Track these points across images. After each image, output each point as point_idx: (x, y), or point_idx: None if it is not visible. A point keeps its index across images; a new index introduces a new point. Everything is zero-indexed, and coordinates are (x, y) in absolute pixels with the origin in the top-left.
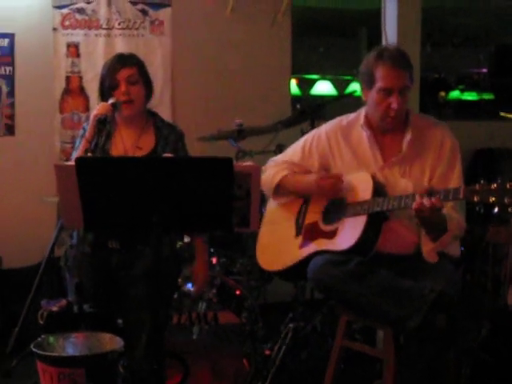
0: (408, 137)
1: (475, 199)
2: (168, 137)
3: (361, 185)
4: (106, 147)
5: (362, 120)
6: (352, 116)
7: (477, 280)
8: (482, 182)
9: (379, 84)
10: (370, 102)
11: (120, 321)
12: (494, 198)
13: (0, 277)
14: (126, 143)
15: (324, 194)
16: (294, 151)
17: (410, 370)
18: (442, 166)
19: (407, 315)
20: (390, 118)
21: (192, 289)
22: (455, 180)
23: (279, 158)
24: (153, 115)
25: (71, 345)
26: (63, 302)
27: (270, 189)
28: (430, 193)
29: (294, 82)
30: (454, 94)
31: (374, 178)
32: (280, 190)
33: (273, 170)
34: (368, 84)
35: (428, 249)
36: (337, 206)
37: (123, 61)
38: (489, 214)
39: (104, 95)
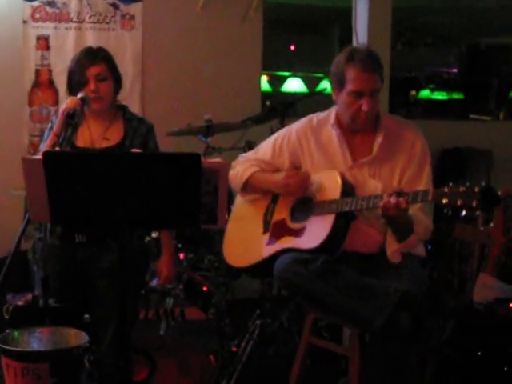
0: (380, 139)
1: (443, 202)
2: (137, 129)
3: (329, 183)
4: (72, 139)
5: (332, 119)
6: (322, 115)
7: (443, 277)
8: (450, 184)
9: (350, 87)
10: (340, 103)
11: (87, 316)
12: (461, 201)
13: None
14: (94, 134)
15: (290, 192)
16: (264, 149)
17: (375, 367)
18: (412, 168)
19: (372, 314)
20: (360, 119)
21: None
22: (424, 182)
23: (250, 154)
24: (122, 108)
25: (36, 340)
26: (29, 296)
27: (239, 185)
28: (399, 194)
29: (264, 79)
30: (425, 93)
31: (342, 177)
32: (248, 186)
33: (242, 167)
34: (338, 85)
35: (393, 249)
36: (305, 204)
37: (92, 57)
38: (456, 216)
39: (72, 89)
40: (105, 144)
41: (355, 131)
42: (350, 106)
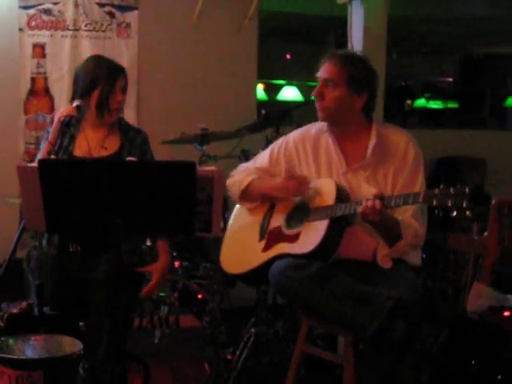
0: (372, 142)
1: (434, 203)
2: (133, 140)
3: (324, 190)
4: (70, 148)
5: (326, 126)
6: (320, 124)
7: (438, 286)
8: (441, 186)
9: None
10: None
11: (81, 323)
12: (452, 202)
13: None
14: (91, 143)
15: (289, 194)
16: (262, 158)
17: (370, 375)
18: (406, 173)
19: (365, 320)
20: (318, 111)
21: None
22: (418, 187)
23: (249, 164)
24: (119, 119)
25: (30, 347)
26: (24, 304)
27: (237, 192)
28: (381, 198)
29: (260, 87)
30: (420, 102)
31: (337, 183)
32: (247, 194)
33: (241, 175)
34: None
35: (382, 254)
36: (300, 211)
37: (119, 68)
38: (448, 219)
39: (87, 95)
40: (102, 153)
41: (346, 136)
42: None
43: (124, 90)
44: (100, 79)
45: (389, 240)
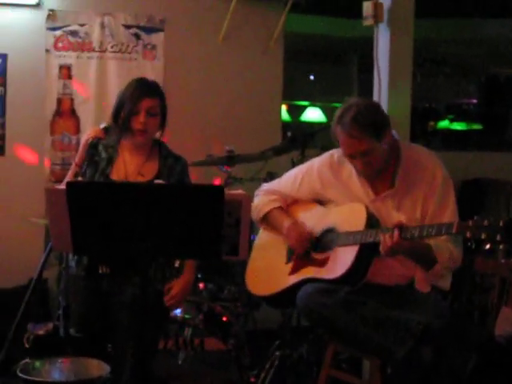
0: (400, 172)
1: (468, 235)
2: (173, 167)
3: (354, 215)
4: (107, 171)
5: None
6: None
7: (464, 309)
8: (475, 217)
9: (342, 148)
10: None
11: (109, 345)
12: (485, 235)
13: None
14: (129, 169)
15: (290, 245)
16: (286, 182)
17: None
18: (435, 199)
19: (394, 346)
20: (363, 174)
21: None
22: (449, 214)
23: (272, 185)
24: (158, 143)
25: (57, 370)
26: (50, 325)
27: (257, 218)
28: (400, 228)
29: (284, 108)
30: (444, 123)
31: (367, 209)
32: (265, 222)
33: (262, 200)
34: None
35: (420, 278)
36: (329, 235)
37: (148, 90)
38: (479, 250)
39: (118, 117)
40: (140, 179)
41: None
42: (350, 162)
43: (151, 113)
44: (125, 99)
45: (424, 265)
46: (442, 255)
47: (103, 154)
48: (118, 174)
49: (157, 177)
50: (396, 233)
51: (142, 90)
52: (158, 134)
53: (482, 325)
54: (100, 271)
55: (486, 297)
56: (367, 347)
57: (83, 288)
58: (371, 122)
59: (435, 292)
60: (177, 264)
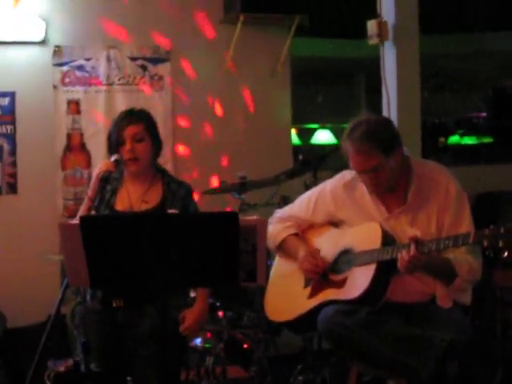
0: (412, 188)
1: (485, 244)
2: (176, 192)
3: (369, 234)
4: (111, 202)
5: None
6: (354, 171)
7: (486, 324)
8: (491, 226)
9: (351, 163)
10: None
11: (129, 378)
12: (503, 243)
13: (5, 336)
14: (132, 197)
15: (305, 273)
16: (299, 206)
17: None
18: (451, 212)
19: (419, 365)
20: (372, 190)
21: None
22: (466, 225)
23: (286, 210)
24: (161, 171)
25: None
26: (70, 361)
27: (273, 245)
28: (416, 241)
29: (293, 132)
30: (454, 138)
31: (382, 227)
32: (281, 249)
33: (276, 228)
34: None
35: (441, 294)
36: (346, 256)
37: (129, 118)
38: (497, 258)
39: (111, 151)
40: (144, 207)
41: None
42: (359, 177)
43: (136, 139)
44: (112, 132)
45: (444, 280)
46: (461, 268)
47: (108, 187)
48: (122, 203)
49: (161, 203)
50: (413, 246)
51: (125, 119)
52: (162, 161)
53: (505, 339)
54: (114, 305)
55: (509, 311)
56: (392, 367)
57: (99, 321)
58: (380, 138)
59: (456, 307)
60: (193, 294)
